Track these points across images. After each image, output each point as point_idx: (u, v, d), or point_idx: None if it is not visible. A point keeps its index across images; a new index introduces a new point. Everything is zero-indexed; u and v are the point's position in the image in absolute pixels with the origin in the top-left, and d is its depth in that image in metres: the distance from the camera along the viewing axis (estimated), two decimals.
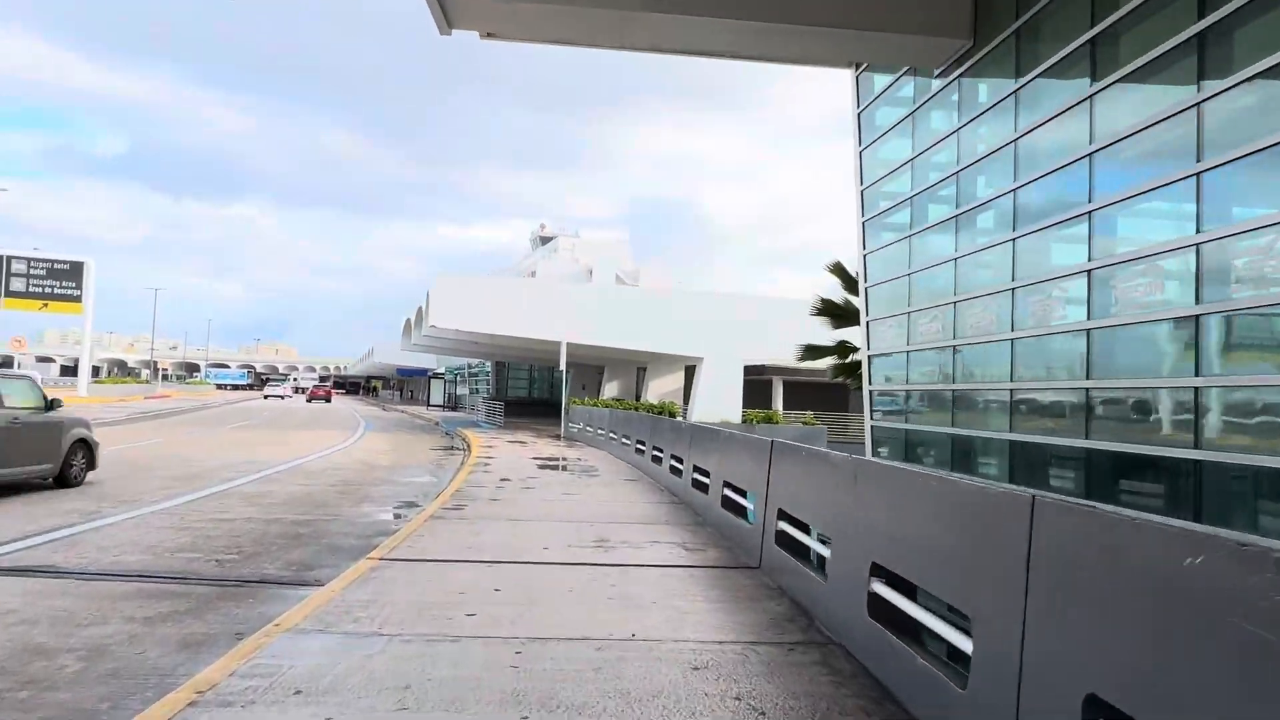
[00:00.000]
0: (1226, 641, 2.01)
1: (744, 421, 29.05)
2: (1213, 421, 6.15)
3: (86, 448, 11.85)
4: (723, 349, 29.57)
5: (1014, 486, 3.45)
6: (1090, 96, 7.59)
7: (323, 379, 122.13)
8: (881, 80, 13.20)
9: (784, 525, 6.57)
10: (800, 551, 6.29)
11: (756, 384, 33.92)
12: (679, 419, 22.30)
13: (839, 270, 17.04)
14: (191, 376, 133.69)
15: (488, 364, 50.99)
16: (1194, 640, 2.12)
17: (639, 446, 15.93)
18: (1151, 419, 6.87)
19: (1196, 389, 6.25)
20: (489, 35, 11.45)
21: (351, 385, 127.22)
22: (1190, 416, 6.32)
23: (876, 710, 3.82)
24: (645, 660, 4.43)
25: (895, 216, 12.59)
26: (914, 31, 10.18)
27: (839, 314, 16.94)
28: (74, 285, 44.76)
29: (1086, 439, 7.57)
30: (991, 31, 9.48)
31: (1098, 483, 7.76)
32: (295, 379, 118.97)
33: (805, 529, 6.36)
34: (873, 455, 12.89)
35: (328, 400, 72.23)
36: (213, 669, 4.14)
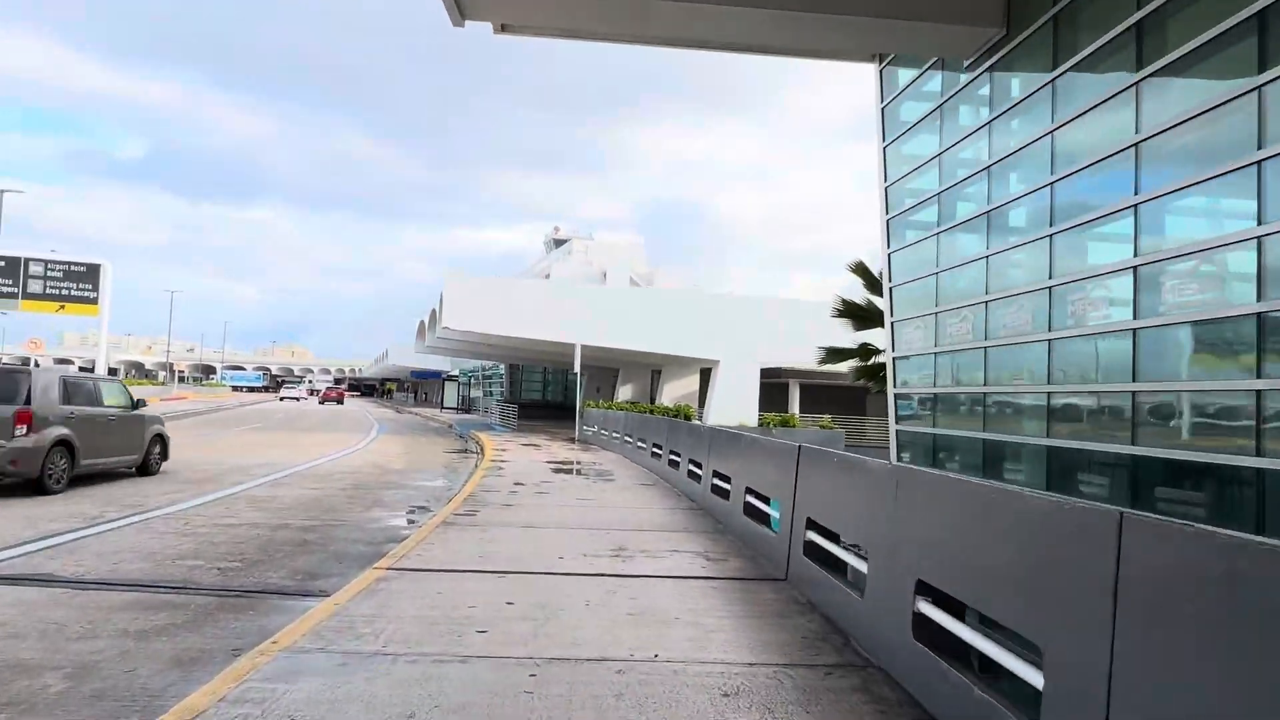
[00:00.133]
0: None
1: (760, 425, 28.61)
2: (1278, 427, 5.73)
3: (162, 441, 13.77)
4: (739, 351, 29.15)
5: (1093, 503, 3.07)
6: (1136, 84, 7.19)
7: (337, 381, 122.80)
8: (906, 74, 12.80)
9: (813, 536, 6.20)
10: (831, 564, 5.92)
11: (773, 387, 33.46)
12: (697, 423, 21.94)
13: (861, 270, 16.62)
14: (207, 379, 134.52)
15: (501, 366, 50.79)
16: None
17: (655, 450, 15.58)
18: (1207, 424, 6.45)
19: (1259, 392, 5.84)
20: (503, 28, 11.14)
21: (366, 388, 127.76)
22: (1251, 422, 5.91)
23: None
24: (671, 685, 4.08)
25: (921, 214, 12.18)
26: (943, 20, 9.79)
27: (861, 315, 16.51)
28: (90, 287, 44.85)
29: (1133, 445, 7.15)
30: (1026, 19, 9.08)
31: (1144, 490, 7.34)
32: (310, 381, 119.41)
33: (836, 539, 5.99)
34: (897, 460, 12.48)
35: (339, 402, 72.77)
36: (202, 692, 3.83)
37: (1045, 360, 8.54)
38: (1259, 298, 5.87)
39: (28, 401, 10.67)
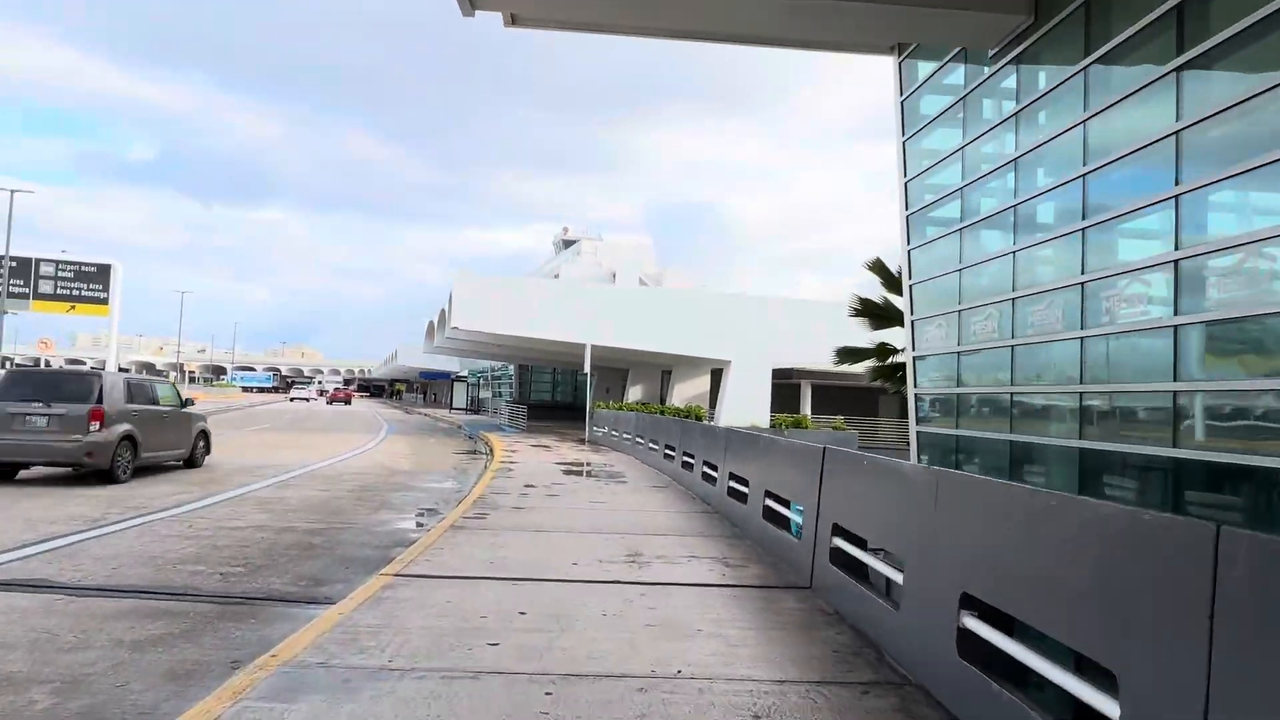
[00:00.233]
0: None
1: (772, 426, 28.29)
2: None
3: (206, 437, 14.89)
4: (751, 352, 28.81)
5: (1177, 516, 2.77)
6: (1177, 69, 6.85)
7: (346, 382, 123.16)
8: (926, 67, 12.47)
9: (840, 542, 5.91)
10: (860, 571, 5.63)
11: (784, 388, 33.11)
12: (712, 424, 21.63)
13: (878, 268, 16.27)
14: (218, 379, 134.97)
15: (511, 367, 50.58)
16: None
17: (668, 452, 15.30)
18: (1265, 425, 6.12)
19: None
20: (513, 20, 10.88)
21: (375, 388, 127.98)
22: None
23: None
24: (696, 705, 3.79)
25: (943, 209, 11.84)
26: (967, 7, 9.47)
27: (879, 314, 16.16)
28: (101, 288, 44.90)
29: (1174, 447, 6.82)
30: (1055, 5, 8.74)
31: (1181, 494, 7.01)
32: (320, 382, 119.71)
33: (864, 545, 5.69)
34: (918, 461, 12.15)
35: (347, 403, 73.02)
36: (196, 711, 3.57)
37: (1077, 359, 8.20)
38: None
39: (99, 401, 11.67)
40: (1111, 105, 7.87)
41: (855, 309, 16.47)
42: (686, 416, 24.97)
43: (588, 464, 17.27)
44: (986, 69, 10.49)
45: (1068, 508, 3.10)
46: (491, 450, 21.01)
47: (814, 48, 12.32)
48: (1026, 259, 9.44)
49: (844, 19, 10.35)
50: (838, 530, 5.98)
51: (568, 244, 60.22)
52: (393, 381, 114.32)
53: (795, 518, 7.51)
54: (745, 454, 9.56)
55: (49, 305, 43.70)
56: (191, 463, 14.26)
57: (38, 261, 43.89)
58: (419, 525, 9.74)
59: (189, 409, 14.42)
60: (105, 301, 45.05)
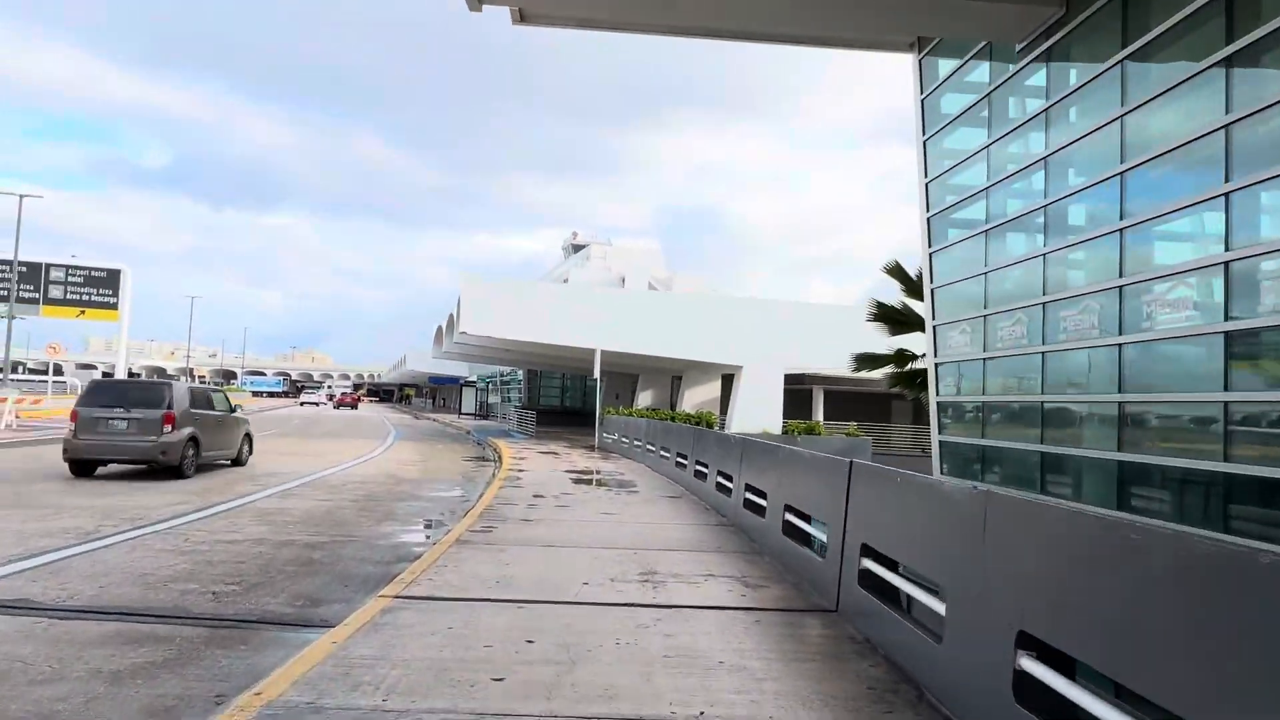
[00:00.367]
0: None
1: (785, 432, 27.85)
2: None
3: (249, 440, 16.65)
4: (762, 357, 28.39)
5: None
6: (1227, 59, 6.46)
7: (356, 386, 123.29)
8: (947, 64, 12.09)
9: (870, 564, 5.51)
10: (892, 596, 5.23)
11: (796, 393, 32.68)
12: (726, 432, 21.23)
13: (897, 271, 15.84)
14: (228, 384, 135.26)
15: (520, 372, 50.29)
16: None
17: (680, 460, 14.91)
18: None
19: None
20: (521, 17, 10.55)
21: (385, 393, 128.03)
22: None
23: None
24: None
25: (966, 211, 11.44)
26: None
27: (897, 319, 15.74)
28: (111, 293, 44.89)
29: (1225, 461, 6.40)
30: None
31: (1234, 508, 6.59)
32: (330, 387, 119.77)
33: (896, 568, 5.30)
34: (939, 472, 11.73)
35: (354, 407, 73.15)
36: None
37: (1115, 366, 7.79)
38: None
39: (170, 406, 13.43)
40: (1152, 99, 7.47)
41: (872, 314, 16.06)
42: (698, 423, 24.57)
43: (598, 472, 16.90)
44: (1012, 65, 10.10)
45: (1159, 542, 2.70)
46: (500, 457, 20.66)
47: (831, 45, 11.94)
48: (1058, 262, 9.02)
49: (865, 11, 9.99)
50: (867, 551, 5.58)
51: (577, 249, 59.97)
52: (402, 386, 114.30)
53: (818, 534, 7.11)
54: (763, 465, 9.17)
55: (59, 310, 43.69)
56: (238, 462, 15.88)
57: (47, 266, 43.92)
58: (425, 538, 9.38)
59: (237, 413, 16.06)
60: (115, 306, 45.03)
